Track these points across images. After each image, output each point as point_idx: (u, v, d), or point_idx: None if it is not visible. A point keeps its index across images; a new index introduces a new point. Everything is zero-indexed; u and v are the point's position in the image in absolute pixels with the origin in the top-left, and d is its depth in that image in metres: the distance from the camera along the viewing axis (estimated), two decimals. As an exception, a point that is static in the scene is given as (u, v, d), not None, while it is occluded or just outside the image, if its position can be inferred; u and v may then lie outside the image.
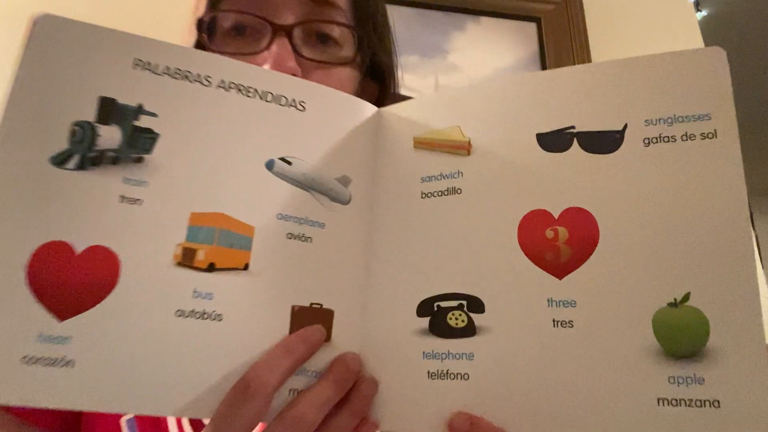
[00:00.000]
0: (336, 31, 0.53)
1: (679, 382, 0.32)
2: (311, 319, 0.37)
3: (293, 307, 0.37)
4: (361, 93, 0.60)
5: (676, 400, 0.32)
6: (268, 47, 0.50)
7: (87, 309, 0.33)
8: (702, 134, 0.35)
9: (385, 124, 0.44)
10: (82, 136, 0.35)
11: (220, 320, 0.35)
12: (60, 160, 0.34)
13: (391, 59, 0.63)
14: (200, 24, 0.54)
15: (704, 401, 0.32)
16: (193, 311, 0.34)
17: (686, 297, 0.33)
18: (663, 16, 1.41)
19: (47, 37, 0.36)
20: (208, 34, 0.55)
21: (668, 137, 0.36)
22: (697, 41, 1.40)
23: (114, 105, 0.36)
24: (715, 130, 0.35)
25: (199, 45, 0.56)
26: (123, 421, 0.47)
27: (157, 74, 0.37)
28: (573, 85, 0.39)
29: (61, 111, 0.35)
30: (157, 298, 0.34)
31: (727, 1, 2.20)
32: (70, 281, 0.33)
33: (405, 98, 0.45)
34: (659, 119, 0.37)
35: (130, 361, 0.33)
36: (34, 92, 0.35)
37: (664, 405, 0.32)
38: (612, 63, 0.39)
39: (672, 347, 0.33)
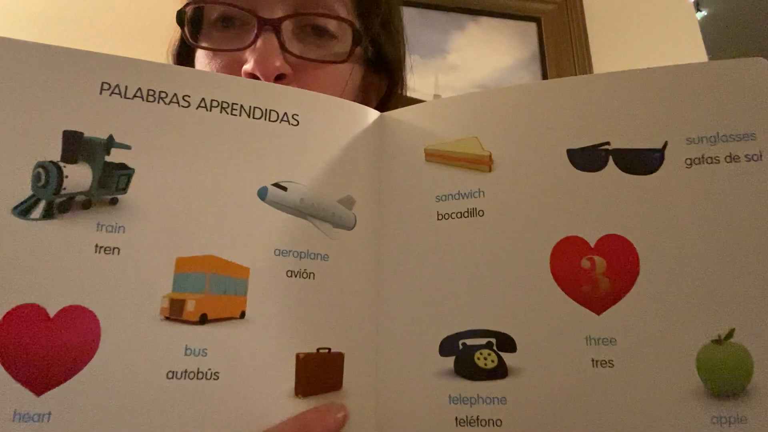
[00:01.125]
0: (332, 24, 0.49)
1: (722, 422, 0.30)
2: (319, 366, 0.33)
3: (298, 355, 0.33)
4: (367, 88, 0.56)
5: None
6: (253, 43, 0.46)
7: (67, 379, 0.29)
8: (746, 156, 0.32)
9: (390, 131, 0.39)
10: (47, 179, 0.31)
11: (217, 379, 0.31)
12: (24, 210, 0.30)
13: (400, 52, 0.58)
14: (181, 16, 0.49)
15: None
16: (186, 371, 0.31)
17: (731, 333, 0.31)
18: (663, 16, 1.43)
19: (1, 65, 0.31)
20: (193, 27, 0.50)
21: (711, 158, 0.33)
22: (697, 41, 1.41)
23: (81, 139, 0.32)
24: (760, 152, 0.32)
25: (182, 44, 0.52)
26: None
27: (128, 98, 0.33)
28: (607, 96, 0.35)
29: (21, 151, 0.31)
30: (145, 359, 0.30)
31: (727, 1, 2.19)
32: (46, 349, 0.29)
33: (413, 101, 0.40)
34: (702, 137, 0.33)
35: None
36: None
37: None
38: (650, 71, 0.35)
39: (716, 386, 0.31)
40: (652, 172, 0.34)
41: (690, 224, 0.32)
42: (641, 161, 0.34)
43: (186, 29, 0.49)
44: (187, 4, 0.49)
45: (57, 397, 0.29)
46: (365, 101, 0.56)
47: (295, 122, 0.36)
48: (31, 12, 1.10)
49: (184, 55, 0.55)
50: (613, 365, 0.31)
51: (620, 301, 0.32)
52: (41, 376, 0.29)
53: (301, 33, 0.48)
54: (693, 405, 0.30)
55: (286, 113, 0.36)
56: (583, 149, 0.35)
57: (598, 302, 0.32)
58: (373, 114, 0.39)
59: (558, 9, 1.35)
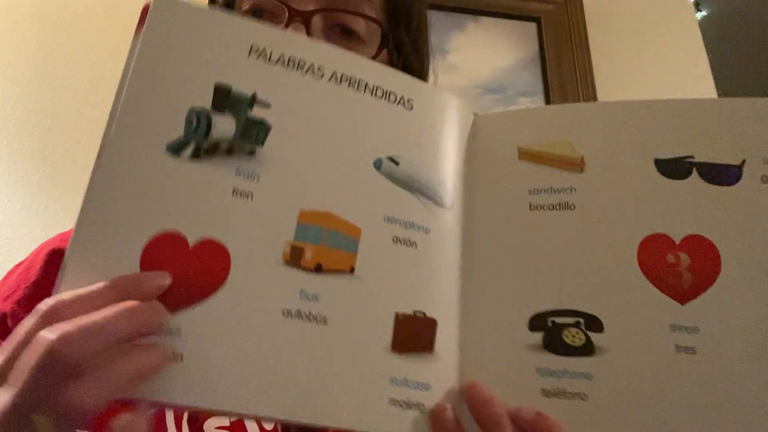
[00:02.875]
0: (361, 25, 0.49)
1: None
2: (414, 327, 0.36)
3: (397, 315, 0.35)
4: None
5: None
6: None
7: (197, 302, 0.31)
8: None
9: (484, 130, 0.42)
10: (198, 125, 0.34)
11: (325, 324, 0.34)
12: (176, 149, 0.33)
13: (424, 63, 0.58)
14: (213, 6, 0.50)
15: None
16: (299, 312, 0.33)
17: None
18: (663, 16, 1.41)
19: (163, 21, 0.35)
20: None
21: None
22: (697, 41, 1.40)
23: (229, 93, 0.35)
24: None
25: None
26: None
27: (271, 63, 0.36)
28: (693, 117, 0.39)
29: (178, 98, 0.34)
30: (265, 296, 0.33)
31: (727, 1, 2.17)
32: (183, 273, 0.31)
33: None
34: None
35: (236, 359, 0.31)
36: (151, 78, 0.34)
37: None
38: (732, 101, 0.39)
39: None
40: (732, 184, 0.37)
41: (763, 230, 0.36)
42: (722, 174, 0.37)
43: None
44: None
45: (187, 318, 0.31)
46: None
47: (409, 106, 0.39)
48: (31, 12, 1.11)
49: None
50: (695, 352, 0.34)
51: (703, 293, 0.35)
52: (175, 296, 0.31)
53: (330, 32, 0.48)
54: None
55: (403, 97, 0.39)
56: (669, 159, 0.38)
57: (682, 293, 0.35)
58: (471, 112, 0.42)
59: (558, 9, 1.33)
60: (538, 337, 0.36)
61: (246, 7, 0.50)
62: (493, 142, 0.42)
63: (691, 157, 0.38)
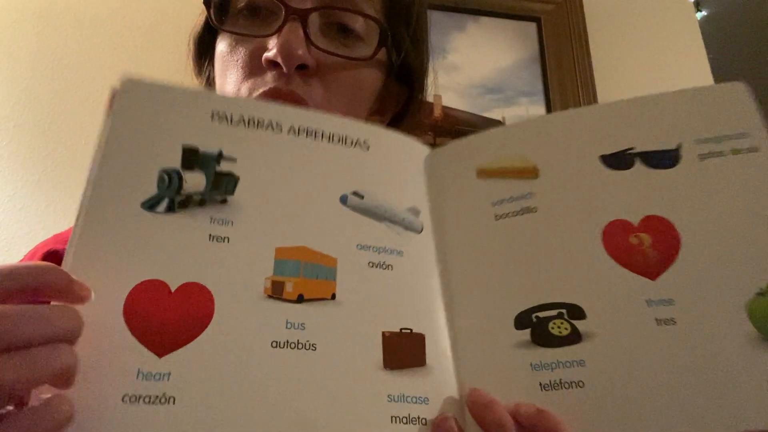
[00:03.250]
0: (359, 24, 0.48)
1: None
2: (403, 343, 0.36)
3: (384, 333, 0.36)
4: (386, 96, 0.56)
5: None
6: (279, 30, 0.46)
7: (185, 344, 0.32)
8: (746, 149, 0.39)
9: (442, 159, 0.45)
10: (170, 182, 0.36)
11: (315, 350, 0.34)
12: (150, 205, 0.35)
13: (423, 62, 0.57)
14: (208, 1, 0.49)
15: None
16: (287, 342, 0.34)
17: None
18: (663, 16, 1.42)
19: (131, 100, 0.39)
20: (219, 13, 0.50)
21: (718, 153, 0.40)
22: (697, 41, 1.41)
23: (197, 153, 0.38)
24: (756, 146, 0.39)
25: (208, 25, 0.51)
26: None
27: (233, 125, 0.39)
28: (630, 114, 0.43)
29: (149, 161, 0.37)
30: (253, 329, 0.33)
31: (727, 1, 2.21)
32: (167, 317, 0.32)
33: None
34: (708, 139, 0.40)
35: (231, 396, 0.31)
36: (123, 148, 0.37)
37: None
38: (664, 94, 0.43)
39: None
40: (672, 166, 0.40)
41: (715, 202, 0.38)
42: (662, 159, 0.41)
43: (212, 12, 0.49)
44: None
45: (177, 360, 0.31)
46: (382, 109, 0.57)
47: (366, 147, 0.42)
48: (31, 12, 1.12)
49: (206, 41, 0.54)
50: (675, 323, 0.35)
51: (670, 267, 0.36)
52: (163, 340, 0.32)
53: (328, 30, 0.48)
54: (754, 351, 0.33)
55: (358, 139, 0.42)
56: (613, 154, 0.41)
57: (650, 269, 0.36)
58: (425, 149, 0.46)
59: (558, 9, 1.33)
60: (525, 334, 0.36)
61: (241, 4, 0.49)
62: (451, 167, 0.45)
63: (632, 148, 0.41)
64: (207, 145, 0.38)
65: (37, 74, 1.09)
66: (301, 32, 0.46)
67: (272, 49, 0.45)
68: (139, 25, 1.15)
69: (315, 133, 0.41)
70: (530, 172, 0.42)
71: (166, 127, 0.38)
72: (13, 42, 1.10)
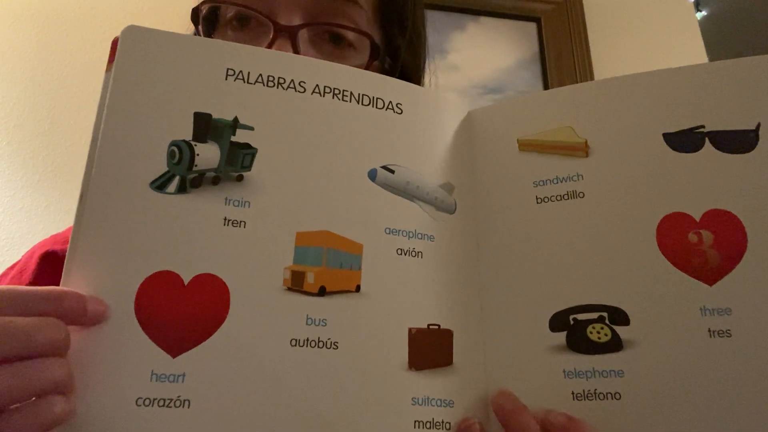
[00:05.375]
0: (351, 33, 0.48)
1: None
2: (430, 341, 0.34)
3: (410, 330, 0.34)
4: None
5: None
6: (269, 48, 0.45)
7: (200, 342, 0.30)
8: None
9: (480, 125, 0.40)
10: (181, 157, 0.32)
11: (336, 348, 0.32)
12: (160, 184, 0.32)
13: (419, 60, 0.56)
14: (196, 13, 0.48)
15: None
16: (308, 339, 0.32)
17: None
18: (663, 16, 1.43)
19: (134, 53, 0.34)
20: (207, 25, 0.49)
21: None
22: (697, 41, 1.41)
23: (210, 120, 0.34)
24: None
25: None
26: None
27: (250, 83, 0.35)
28: (698, 84, 0.37)
29: (157, 131, 0.33)
30: (270, 326, 0.31)
31: (727, 1, 2.19)
32: (181, 314, 0.30)
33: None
34: None
35: (248, 399, 0.30)
36: (127, 114, 0.33)
37: None
38: (739, 61, 0.37)
39: None
40: (748, 151, 0.35)
41: None
42: (737, 141, 0.35)
43: (200, 27, 0.48)
44: (202, 3, 0.48)
45: (191, 360, 0.30)
46: None
47: (399, 110, 0.38)
48: (31, 12, 1.11)
49: None
50: (730, 335, 0.32)
51: (732, 271, 0.33)
52: (176, 339, 0.30)
53: (318, 39, 0.47)
54: None
55: (391, 101, 0.38)
56: (679, 132, 0.36)
57: (709, 273, 0.33)
58: (464, 108, 0.41)
59: (558, 9, 1.34)
60: (560, 337, 0.34)
61: (230, 15, 0.48)
62: (490, 137, 0.40)
63: (702, 127, 0.36)
64: (221, 109, 0.34)
65: (37, 74, 1.07)
66: (290, 50, 0.44)
67: None
68: (139, 24, 1.11)
69: (343, 94, 0.37)
70: (580, 149, 0.38)
71: (176, 88, 0.34)
72: (13, 42, 1.08)
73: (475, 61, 1.27)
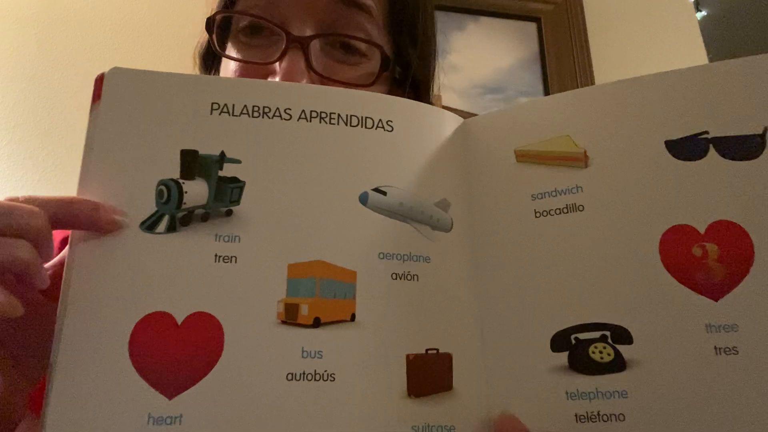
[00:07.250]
0: (362, 42, 0.48)
1: None
2: (429, 367, 0.34)
3: (408, 356, 0.33)
4: None
5: None
6: (279, 59, 0.46)
7: (196, 382, 0.30)
8: None
9: (475, 136, 0.39)
10: (169, 196, 0.33)
11: (333, 380, 0.32)
12: (150, 225, 0.32)
13: (429, 70, 0.57)
14: (210, 23, 0.49)
15: None
16: (304, 373, 0.32)
17: None
18: (663, 16, 1.42)
19: (119, 92, 0.34)
20: (220, 32, 0.50)
21: None
22: (697, 41, 1.40)
23: (197, 157, 0.34)
24: None
25: (209, 47, 0.52)
26: None
27: (235, 116, 0.35)
28: (700, 86, 0.35)
29: (145, 171, 0.33)
30: (266, 361, 0.31)
31: (727, 1, 2.18)
32: (176, 355, 0.30)
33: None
34: None
35: None
36: (113, 154, 0.33)
37: None
38: (742, 60, 0.35)
39: None
40: (755, 157, 0.33)
41: None
42: (743, 147, 0.34)
43: (214, 36, 0.49)
44: (217, 13, 0.49)
45: (187, 400, 0.30)
46: None
47: (389, 128, 0.37)
48: (31, 12, 1.12)
49: (210, 59, 0.55)
50: (737, 352, 0.30)
51: (738, 286, 0.31)
52: (172, 380, 0.30)
53: (330, 48, 0.48)
54: None
55: (381, 120, 0.37)
56: (681, 139, 0.35)
57: (714, 288, 0.32)
58: (456, 120, 0.40)
59: (558, 9, 1.35)
60: (562, 357, 0.33)
61: (243, 24, 0.49)
62: (486, 148, 0.39)
63: (705, 133, 0.34)
64: (208, 145, 0.34)
65: (37, 74, 1.07)
66: (301, 62, 0.45)
67: (276, 77, 0.46)
68: (139, 25, 1.14)
69: (330, 117, 0.36)
70: (578, 159, 0.36)
71: (162, 126, 0.34)
72: (13, 42, 1.09)
73: (475, 61, 1.28)
